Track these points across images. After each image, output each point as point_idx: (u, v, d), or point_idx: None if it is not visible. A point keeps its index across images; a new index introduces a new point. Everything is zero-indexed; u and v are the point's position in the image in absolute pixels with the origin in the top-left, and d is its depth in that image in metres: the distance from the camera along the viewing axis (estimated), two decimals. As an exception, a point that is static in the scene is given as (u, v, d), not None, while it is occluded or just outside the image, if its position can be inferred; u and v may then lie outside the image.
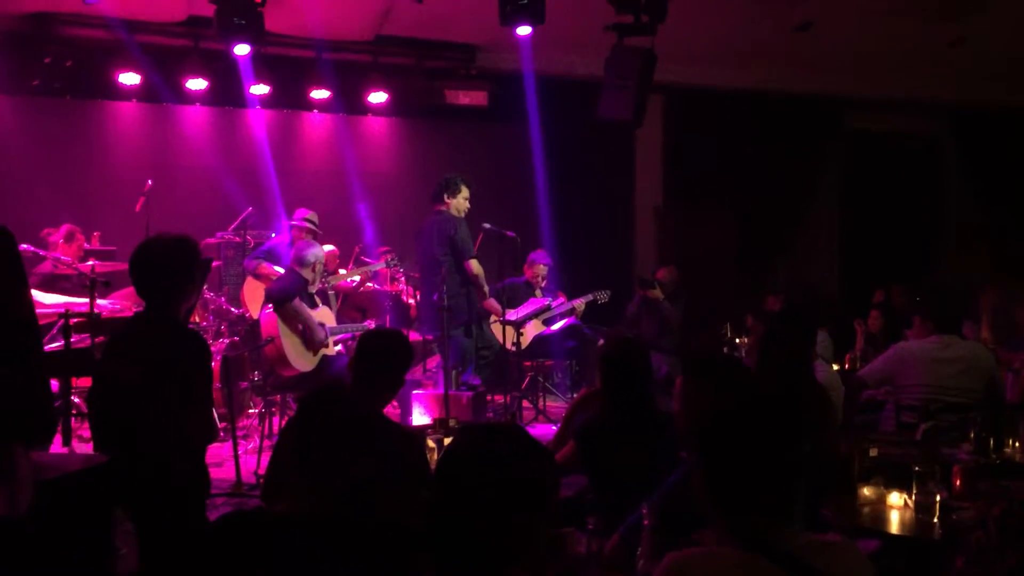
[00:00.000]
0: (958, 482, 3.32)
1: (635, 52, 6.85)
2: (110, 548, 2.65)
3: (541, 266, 7.96)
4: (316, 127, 9.37)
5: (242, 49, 6.83)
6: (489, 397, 7.15)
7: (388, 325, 7.50)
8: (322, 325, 6.13)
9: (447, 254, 6.68)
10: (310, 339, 6.05)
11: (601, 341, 5.23)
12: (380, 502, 2.10)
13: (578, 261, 9.08)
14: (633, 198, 10.34)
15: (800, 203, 10.67)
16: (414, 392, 6.48)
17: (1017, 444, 3.98)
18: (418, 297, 7.51)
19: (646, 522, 2.51)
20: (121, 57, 7.75)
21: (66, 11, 7.54)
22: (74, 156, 8.36)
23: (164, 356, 3.13)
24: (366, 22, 8.18)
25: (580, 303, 7.80)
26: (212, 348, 5.90)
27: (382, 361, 3.40)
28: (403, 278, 8.09)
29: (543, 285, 8.00)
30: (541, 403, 7.58)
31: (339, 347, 6.39)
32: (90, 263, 6.53)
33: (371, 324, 6.82)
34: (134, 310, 5.81)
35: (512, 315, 7.26)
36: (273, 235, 7.77)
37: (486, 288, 6.92)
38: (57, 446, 4.42)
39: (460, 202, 6.83)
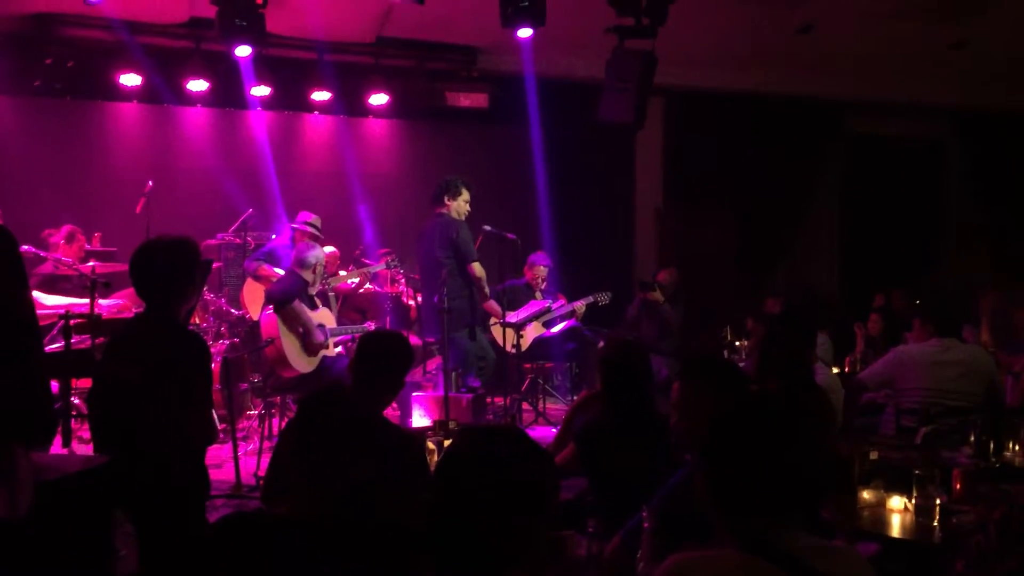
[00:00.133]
0: (958, 486, 3.31)
1: (636, 54, 6.85)
2: (110, 549, 2.65)
3: (541, 268, 7.95)
4: (317, 129, 9.36)
5: (243, 51, 6.82)
6: (489, 399, 7.15)
7: (388, 327, 7.49)
8: (322, 327, 6.13)
9: (449, 256, 6.68)
10: (309, 341, 6.05)
11: (601, 343, 5.21)
12: (380, 504, 2.09)
13: (578, 263, 9.07)
14: (633, 200, 10.33)
15: (800, 205, 10.67)
16: (414, 394, 6.46)
17: (1017, 448, 3.97)
18: (419, 299, 7.51)
19: (646, 525, 2.50)
20: (122, 58, 7.74)
21: (67, 12, 7.54)
22: (75, 157, 8.36)
23: (164, 357, 3.13)
24: (367, 24, 8.18)
25: (580, 305, 7.80)
26: (212, 349, 5.92)
27: (382, 363, 3.40)
28: (403, 280, 8.09)
29: (543, 287, 7.99)
30: (541, 405, 7.57)
31: (339, 349, 6.39)
32: (91, 264, 6.55)
33: (371, 326, 6.83)
34: (134, 311, 5.81)
35: (512, 317, 7.26)
36: (273, 237, 7.79)
37: (487, 290, 6.92)
38: (57, 447, 4.41)
39: (460, 204, 6.82)
